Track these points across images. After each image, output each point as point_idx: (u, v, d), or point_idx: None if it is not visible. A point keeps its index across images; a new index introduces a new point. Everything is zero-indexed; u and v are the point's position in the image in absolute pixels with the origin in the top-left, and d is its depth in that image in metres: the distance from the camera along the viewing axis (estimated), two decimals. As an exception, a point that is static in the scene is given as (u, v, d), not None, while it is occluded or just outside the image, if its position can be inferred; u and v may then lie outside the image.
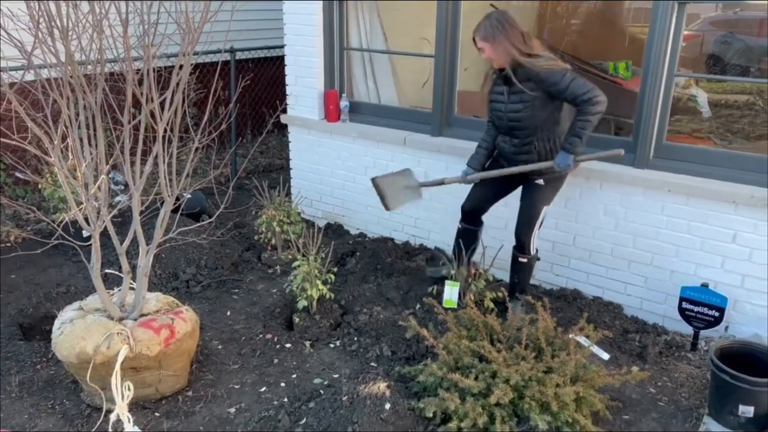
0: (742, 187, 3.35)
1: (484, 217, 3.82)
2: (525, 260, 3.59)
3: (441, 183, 3.74)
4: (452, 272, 3.68)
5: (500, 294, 3.64)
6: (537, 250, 3.64)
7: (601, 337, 3.08)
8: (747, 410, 2.72)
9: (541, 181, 3.43)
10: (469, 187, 3.76)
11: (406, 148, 4.49)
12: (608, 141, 3.96)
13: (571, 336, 3.01)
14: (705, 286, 3.41)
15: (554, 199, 3.52)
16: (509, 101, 3.33)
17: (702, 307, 3.38)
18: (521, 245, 3.56)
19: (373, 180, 3.76)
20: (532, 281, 4.13)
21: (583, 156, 3.30)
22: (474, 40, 3.29)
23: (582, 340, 3.06)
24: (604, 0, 7.16)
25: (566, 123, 3.33)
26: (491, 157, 3.66)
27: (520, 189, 3.61)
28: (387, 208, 3.75)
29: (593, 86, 3.14)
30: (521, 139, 3.38)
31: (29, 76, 2.62)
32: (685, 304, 3.44)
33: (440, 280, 3.82)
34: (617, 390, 3.04)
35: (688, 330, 3.51)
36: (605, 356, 3.31)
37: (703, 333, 3.47)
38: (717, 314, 3.34)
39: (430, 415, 2.68)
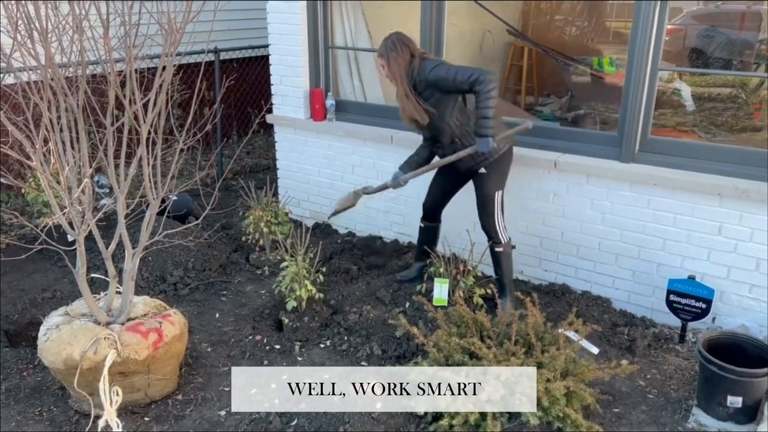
0: (726, 180, 3.38)
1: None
2: (500, 249, 3.69)
3: (381, 190, 3.87)
4: (440, 270, 3.69)
5: (489, 290, 3.65)
6: (510, 238, 3.73)
7: (590, 331, 3.09)
8: (735, 401, 2.74)
9: (483, 170, 3.58)
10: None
11: (393, 146, 4.48)
12: (593, 136, 3.99)
13: (560, 331, 3.02)
14: (692, 278, 3.43)
15: (505, 183, 3.65)
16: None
17: (689, 300, 3.41)
18: (490, 235, 3.69)
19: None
20: (520, 277, 4.16)
21: (499, 136, 3.43)
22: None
23: (571, 334, 3.08)
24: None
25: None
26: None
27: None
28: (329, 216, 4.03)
29: (476, 68, 3.34)
30: (446, 141, 3.58)
31: (9, 80, 2.58)
32: (672, 297, 3.46)
33: (429, 278, 3.82)
34: (607, 383, 3.06)
35: (676, 322, 3.54)
36: (595, 350, 3.33)
37: (690, 325, 3.50)
38: (704, 306, 3.37)
39: (422, 412, 2.68)
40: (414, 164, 3.77)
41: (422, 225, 4.06)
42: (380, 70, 3.68)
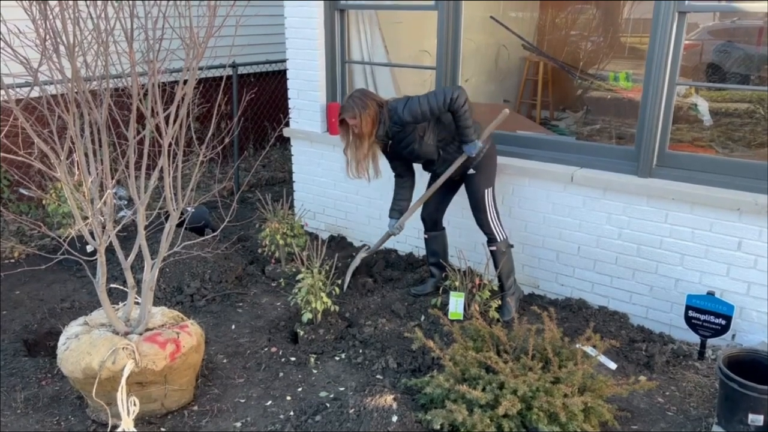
0: (745, 195, 3.35)
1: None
2: (495, 248, 3.79)
3: (383, 241, 4.18)
4: (456, 283, 3.68)
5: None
6: (507, 237, 3.83)
7: (607, 346, 3.06)
8: (757, 419, 2.70)
9: (471, 171, 3.75)
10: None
11: (409, 159, 4.49)
12: (610, 150, 3.98)
13: (577, 346, 3.00)
14: (711, 294, 3.40)
15: (494, 181, 3.81)
16: (403, 147, 3.70)
17: (708, 316, 3.37)
18: (486, 233, 3.82)
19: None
20: (537, 291, 4.14)
21: (483, 134, 3.65)
22: (343, 120, 3.66)
23: (589, 349, 3.05)
24: (604, 0, 7.20)
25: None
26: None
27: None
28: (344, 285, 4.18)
29: (443, 89, 3.54)
30: (438, 159, 3.76)
31: (35, 93, 2.64)
32: (691, 313, 3.43)
33: (445, 292, 3.82)
34: (625, 400, 3.02)
35: (694, 339, 3.50)
36: (612, 366, 3.30)
37: (710, 341, 3.46)
38: (724, 322, 3.33)
39: (438, 427, 2.67)
40: (404, 208, 3.94)
41: (426, 236, 4.15)
42: (345, 134, 3.70)
